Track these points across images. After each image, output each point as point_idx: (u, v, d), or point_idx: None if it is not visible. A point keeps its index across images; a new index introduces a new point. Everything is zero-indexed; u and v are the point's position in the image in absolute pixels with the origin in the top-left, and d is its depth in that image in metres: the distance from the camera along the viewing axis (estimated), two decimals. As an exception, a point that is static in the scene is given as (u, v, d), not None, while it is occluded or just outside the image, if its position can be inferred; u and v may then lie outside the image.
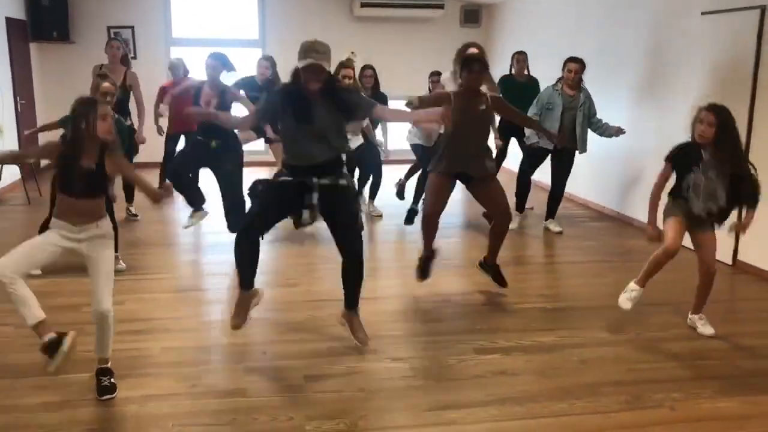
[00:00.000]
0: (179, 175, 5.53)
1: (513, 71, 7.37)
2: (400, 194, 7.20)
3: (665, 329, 4.25)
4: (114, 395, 3.28)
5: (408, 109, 4.33)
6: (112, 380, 3.32)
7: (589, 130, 6.39)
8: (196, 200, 5.68)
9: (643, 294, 4.18)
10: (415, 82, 7.10)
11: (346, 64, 6.18)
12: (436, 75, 7.07)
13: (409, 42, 10.33)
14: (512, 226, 6.53)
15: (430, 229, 4.70)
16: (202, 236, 6.43)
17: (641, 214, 6.81)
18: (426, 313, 4.54)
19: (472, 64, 4.49)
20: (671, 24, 6.35)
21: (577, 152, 6.44)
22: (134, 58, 9.60)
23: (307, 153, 3.65)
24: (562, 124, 6.27)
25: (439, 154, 4.63)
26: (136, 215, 6.74)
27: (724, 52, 5.65)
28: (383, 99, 6.86)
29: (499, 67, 7.68)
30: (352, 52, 6.35)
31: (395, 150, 7.42)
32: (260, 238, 3.70)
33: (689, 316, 4.27)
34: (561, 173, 6.59)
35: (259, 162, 8.16)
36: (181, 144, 7.06)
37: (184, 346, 3.91)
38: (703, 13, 5.82)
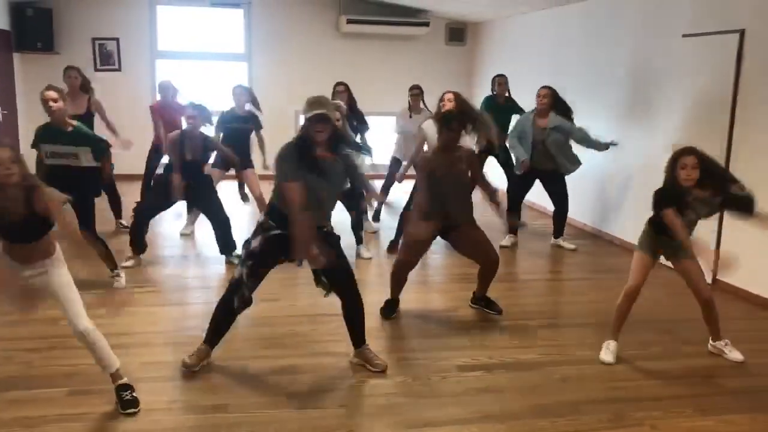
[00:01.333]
0: (147, 216, 5.73)
1: (495, 93, 7.48)
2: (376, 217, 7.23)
3: (646, 347, 4.27)
4: (137, 409, 3.26)
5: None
6: (134, 394, 3.31)
7: (588, 148, 6.48)
8: (141, 245, 5.71)
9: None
10: (400, 99, 7.13)
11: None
12: (416, 89, 7.10)
13: (395, 59, 10.39)
14: (506, 243, 6.60)
15: (400, 278, 4.65)
16: (185, 250, 6.40)
17: (621, 233, 6.90)
18: (409, 329, 4.54)
19: (450, 122, 4.39)
20: (653, 45, 6.44)
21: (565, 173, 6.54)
22: (118, 70, 9.59)
23: (326, 212, 3.70)
24: (536, 150, 6.37)
25: (424, 210, 4.51)
26: (127, 226, 6.66)
27: (705, 74, 5.74)
28: (360, 117, 6.70)
29: (484, 86, 7.75)
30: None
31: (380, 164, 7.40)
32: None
33: (710, 343, 4.22)
34: (559, 194, 6.64)
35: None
36: (164, 160, 7.04)
37: (164, 360, 3.88)
38: (684, 36, 5.91)
